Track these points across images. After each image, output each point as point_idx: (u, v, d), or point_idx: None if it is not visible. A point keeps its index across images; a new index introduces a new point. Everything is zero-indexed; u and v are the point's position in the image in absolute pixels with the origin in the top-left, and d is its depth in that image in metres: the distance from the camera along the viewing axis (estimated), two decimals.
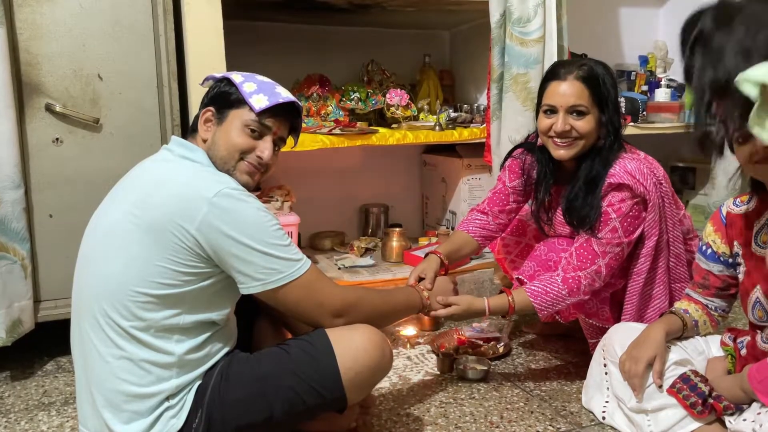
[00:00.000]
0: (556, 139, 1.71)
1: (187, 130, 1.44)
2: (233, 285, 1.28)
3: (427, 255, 1.87)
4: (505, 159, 1.99)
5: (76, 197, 1.94)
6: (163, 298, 1.22)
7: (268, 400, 1.28)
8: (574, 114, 1.68)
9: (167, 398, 1.25)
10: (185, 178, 1.27)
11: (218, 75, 1.44)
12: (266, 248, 1.24)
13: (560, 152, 1.72)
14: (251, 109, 1.34)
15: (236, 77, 1.38)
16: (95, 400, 1.25)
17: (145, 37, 1.97)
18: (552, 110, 1.71)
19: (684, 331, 1.58)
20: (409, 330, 2.17)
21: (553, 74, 1.74)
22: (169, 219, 1.21)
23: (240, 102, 1.35)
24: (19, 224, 1.85)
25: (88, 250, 1.31)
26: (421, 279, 1.75)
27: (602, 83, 1.68)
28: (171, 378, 1.25)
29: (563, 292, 1.67)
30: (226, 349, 1.34)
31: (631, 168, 1.67)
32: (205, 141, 1.37)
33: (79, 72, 1.91)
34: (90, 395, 1.27)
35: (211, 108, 1.37)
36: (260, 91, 1.36)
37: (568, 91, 1.68)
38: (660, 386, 1.45)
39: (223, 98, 1.37)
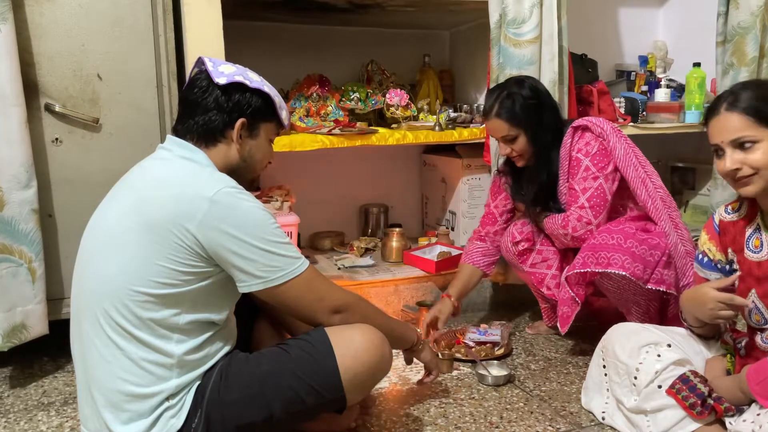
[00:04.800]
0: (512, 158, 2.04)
1: (194, 137, 1.34)
2: (233, 285, 1.28)
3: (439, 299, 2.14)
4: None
5: (75, 197, 1.93)
6: (162, 297, 1.22)
7: (267, 400, 1.28)
8: (508, 141, 1.98)
9: (167, 398, 1.25)
10: (185, 177, 1.27)
11: (209, 61, 1.34)
12: (267, 246, 1.24)
13: (518, 164, 2.04)
14: (280, 125, 1.42)
15: (265, 87, 1.36)
16: (96, 401, 1.25)
17: (145, 37, 1.97)
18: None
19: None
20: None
21: (482, 112, 2.03)
22: (169, 218, 1.21)
23: (271, 116, 1.39)
24: (27, 226, 1.80)
25: (88, 251, 1.31)
26: (435, 321, 2.05)
27: (515, 112, 1.93)
28: (171, 378, 1.25)
29: (558, 221, 1.98)
30: (226, 350, 1.34)
31: (589, 117, 2.02)
32: (239, 152, 1.35)
33: (78, 72, 1.91)
34: (90, 396, 1.27)
35: (245, 119, 1.34)
36: (282, 107, 1.40)
37: (492, 127, 2.00)
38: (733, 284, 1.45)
39: (257, 111, 1.35)
